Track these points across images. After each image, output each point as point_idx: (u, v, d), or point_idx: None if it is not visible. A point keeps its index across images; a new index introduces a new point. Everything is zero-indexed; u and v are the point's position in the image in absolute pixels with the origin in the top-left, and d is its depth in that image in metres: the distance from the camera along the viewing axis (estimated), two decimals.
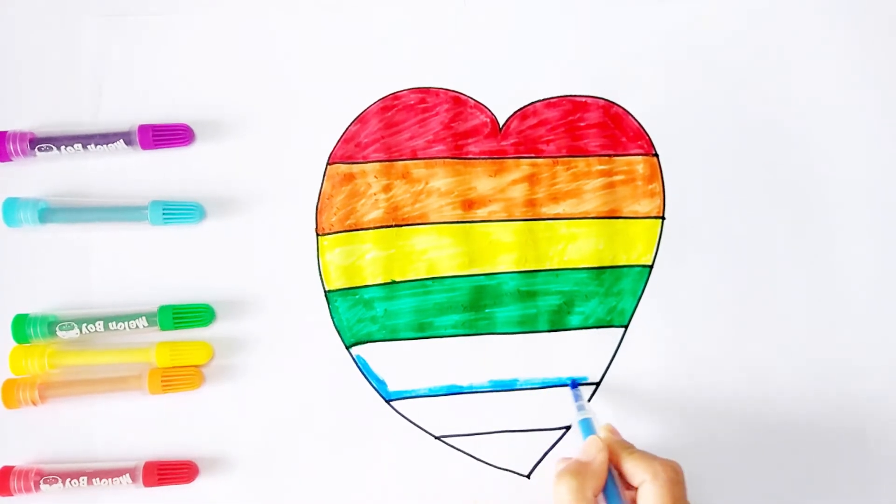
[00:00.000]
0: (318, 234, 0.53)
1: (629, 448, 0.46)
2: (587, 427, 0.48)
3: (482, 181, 0.54)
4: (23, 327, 0.50)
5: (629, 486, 0.45)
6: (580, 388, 0.52)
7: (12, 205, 0.51)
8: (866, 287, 0.54)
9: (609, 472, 0.44)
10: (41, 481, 0.49)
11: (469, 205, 0.54)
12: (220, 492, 0.51)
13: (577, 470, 0.44)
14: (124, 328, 0.51)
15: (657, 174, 0.54)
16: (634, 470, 0.44)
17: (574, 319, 0.53)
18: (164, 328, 0.51)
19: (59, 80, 0.54)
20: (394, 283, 0.53)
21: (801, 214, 0.55)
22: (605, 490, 0.44)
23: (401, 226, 0.53)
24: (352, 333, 0.52)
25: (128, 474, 0.50)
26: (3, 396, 0.50)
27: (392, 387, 0.52)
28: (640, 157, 0.54)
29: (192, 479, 0.51)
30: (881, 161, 0.55)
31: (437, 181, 0.53)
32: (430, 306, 0.53)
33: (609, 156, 0.54)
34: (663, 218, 0.54)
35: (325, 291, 0.53)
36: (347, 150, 0.54)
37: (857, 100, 0.56)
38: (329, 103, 0.54)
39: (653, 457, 0.45)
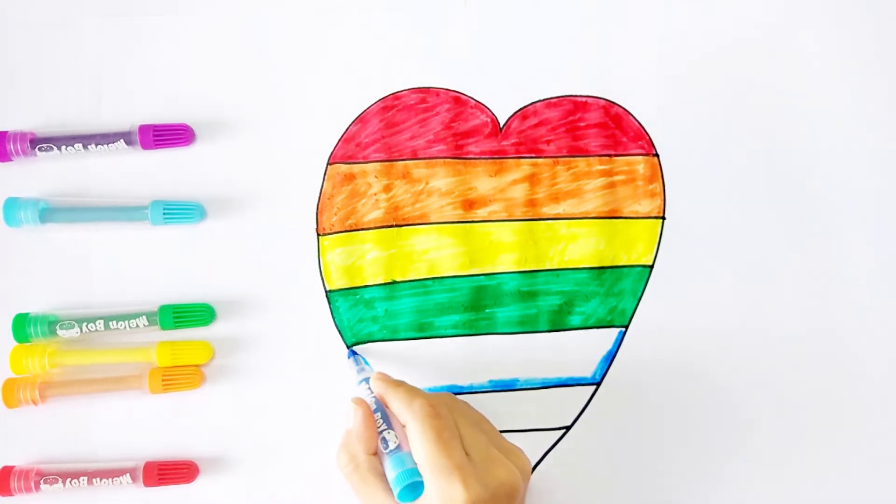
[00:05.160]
0: (318, 234, 0.53)
1: (395, 389, 0.45)
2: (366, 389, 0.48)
3: (482, 181, 0.54)
4: (23, 327, 0.50)
5: None
6: (357, 354, 0.52)
7: (13, 205, 0.51)
8: (867, 286, 0.54)
9: (388, 421, 0.44)
10: (41, 481, 0.49)
11: (469, 205, 0.54)
12: (220, 492, 0.51)
13: (344, 441, 0.45)
14: (125, 327, 0.51)
15: (658, 174, 0.54)
16: (398, 412, 0.44)
17: (574, 319, 0.53)
18: (164, 328, 0.51)
19: (59, 80, 0.54)
20: (394, 283, 0.53)
21: (801, 214, 0.55)
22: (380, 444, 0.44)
23: (401, 226, 0.53)
24: (352, 333, 0.53)
25: (128, 474, 0.50)
26: (4, 396, 0.50)
27: None
28: (641, 157, 0.54)
29: (193, 478, 0.51)
30: (881, 160, 0.55)
31: (438, 181, 0.54)
32: (430, 306, 0.53)
33: (609, 156, 0.54)
34: (664, 218, 0.54)
35: (325, 291, 0.53)
36: (348, 150, 0.54)
37: (858, 99, 0.56)
38: (329, 103, 0.54)
39: (413, 394, 0.44)
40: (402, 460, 0.42)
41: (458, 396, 0.52)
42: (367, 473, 0.43)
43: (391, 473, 0.42)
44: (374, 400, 0.45)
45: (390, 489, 0.42)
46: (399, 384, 0.46)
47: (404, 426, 0.43)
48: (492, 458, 0.42)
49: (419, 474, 0.41)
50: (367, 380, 0.47)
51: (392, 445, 0.43)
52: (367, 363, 0.52)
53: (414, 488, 0.41)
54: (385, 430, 0.44)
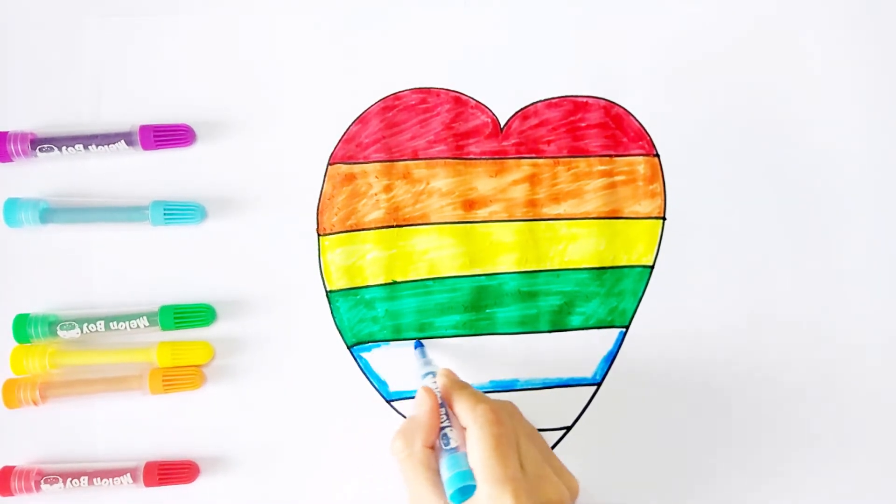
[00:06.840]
0: (319, 235, 0.53)
1: (460, 390, 0.45)
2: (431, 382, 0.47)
3: (483, 181, 0.54)
4: (24, 327, 0.50)
5: None
6: (422, 346, 0.52)
7: (13, 205, 0.51)
8: (867, 286, 0.54)
9: (448, 416, 0.44)
10: (42, 481, 0.49)
11: (470, 205, 0.54)
12: (220, 492, 0.51)
13: (404, 427, 0.44)
14: (125, 328, 0.51)
15: (658, 174, 0.55)
16: (460, 414, 0.44)
17: (575, 320, 0.53)
18: (165, 328, 0.51)
19: (59, 81, 0.53)
20: (395, 283, 0.53)
21: (801, 213, 0.55)
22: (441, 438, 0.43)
23: (402, 226, 0.53)
24: (353, 333, 0.53)
25: (129, 474, 0.50)
26: (4, 396, 0.50)
27: (393, 387, 0.52)
28: (641, 157, 0.55)
29: (193, 478, 0.51)
30: (881, 160, 0.55)
31: (438, 181, 0.53)
32: (431, 306, 0.53)
33: (610, 156, 0.54)
34: (664, 218, 0.54)
35: (326, 292, 0.53)
36: (348, 151, 0.54)
37: (858, 99, 0.56)
38: (330, 103, 0.54)
39: (478, 398, 0.44)
40: (460, 461, 0.42)
41: None
42: (419, 465, 0.43)
43: (448, 472, 0.42)
44: (438, 395, 0.45)
45: (439, 484, 0.42)
46: (464, 386, 0.45)
47: (464, 428, 0.43)
48: (544, 474, 0.42)
49: (474, 478, 0.41)
50: (432, 373, 0.47)
51: (453, 444, 0.43)
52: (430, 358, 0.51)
53: (465, 491, 0.41)
54: (448, 427, 0.44)
